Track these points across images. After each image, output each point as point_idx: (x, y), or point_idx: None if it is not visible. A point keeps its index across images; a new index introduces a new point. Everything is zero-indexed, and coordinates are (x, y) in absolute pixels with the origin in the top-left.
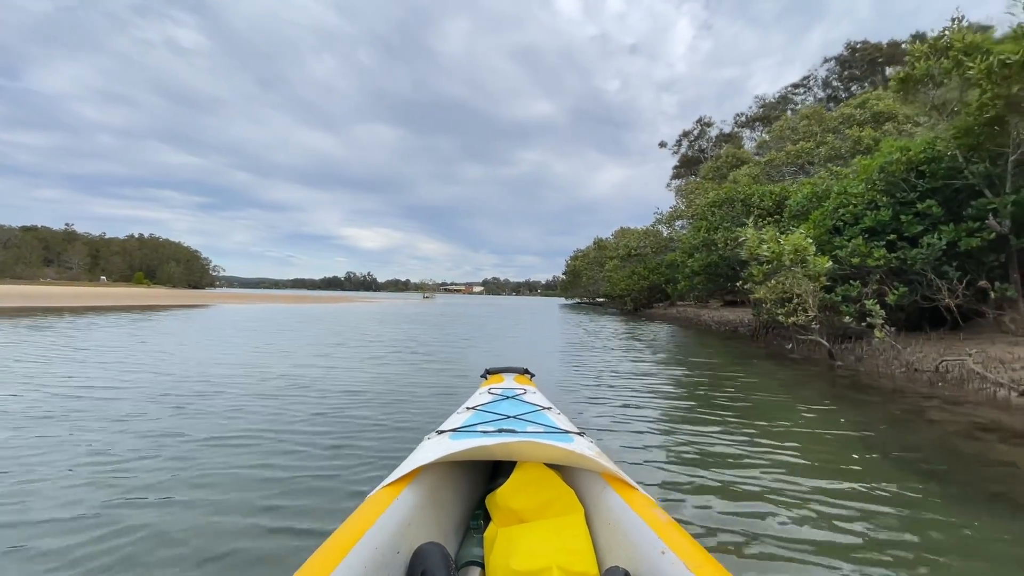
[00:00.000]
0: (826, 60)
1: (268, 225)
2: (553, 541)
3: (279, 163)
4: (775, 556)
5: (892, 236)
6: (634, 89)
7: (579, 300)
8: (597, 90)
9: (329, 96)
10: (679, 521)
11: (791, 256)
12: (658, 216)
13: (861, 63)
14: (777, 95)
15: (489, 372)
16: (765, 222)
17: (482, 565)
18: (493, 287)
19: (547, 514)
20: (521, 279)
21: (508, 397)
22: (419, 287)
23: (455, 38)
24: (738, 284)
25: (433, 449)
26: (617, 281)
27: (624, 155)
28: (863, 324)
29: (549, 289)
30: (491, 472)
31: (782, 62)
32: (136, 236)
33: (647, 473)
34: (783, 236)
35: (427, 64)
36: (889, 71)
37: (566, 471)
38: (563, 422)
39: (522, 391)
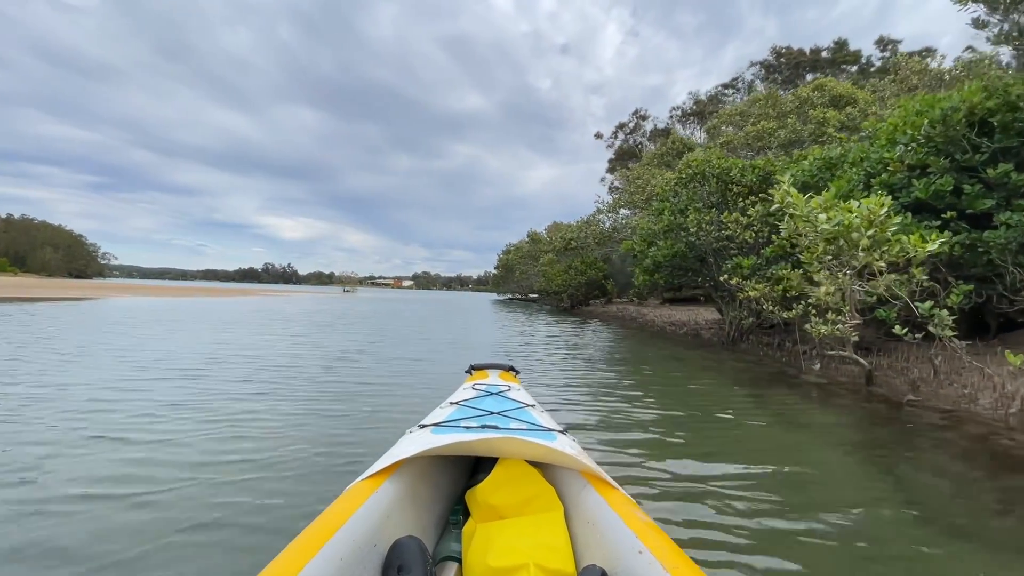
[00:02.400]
0: (752, 64)
1: (175, 210)
2: (531, 538)
3: (186, 142)
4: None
5: (950, 213)
6: (565, 89)
7: (511, 296)
8: (530, 87)
9: (244, 72)
10: (659, 522)
11: (870, 232)
12: (600, 205)
13: (786, 68)
14: (708, 94)
15: (474, 368)
16: (747, 203)
17: (459, 560)
18: (424, 281)
19: (527, 511)
20: (452, 273)
21: (492, 393)
22: (343, 280)
23: (385, 21)
24: (722, 278)
25: (415, 443)
26: (552, 276)
27: (555, 153)
28: (911, 333)
29: (481, 284)
30: (472, 468)
31: (700, 73)
32: (3, 217)
33: (628, 473)
34: (844, 202)
35: (354, 46)
36: (810, 76)
37: (547, 469)
38: (546, 420)
39: (506, 388)
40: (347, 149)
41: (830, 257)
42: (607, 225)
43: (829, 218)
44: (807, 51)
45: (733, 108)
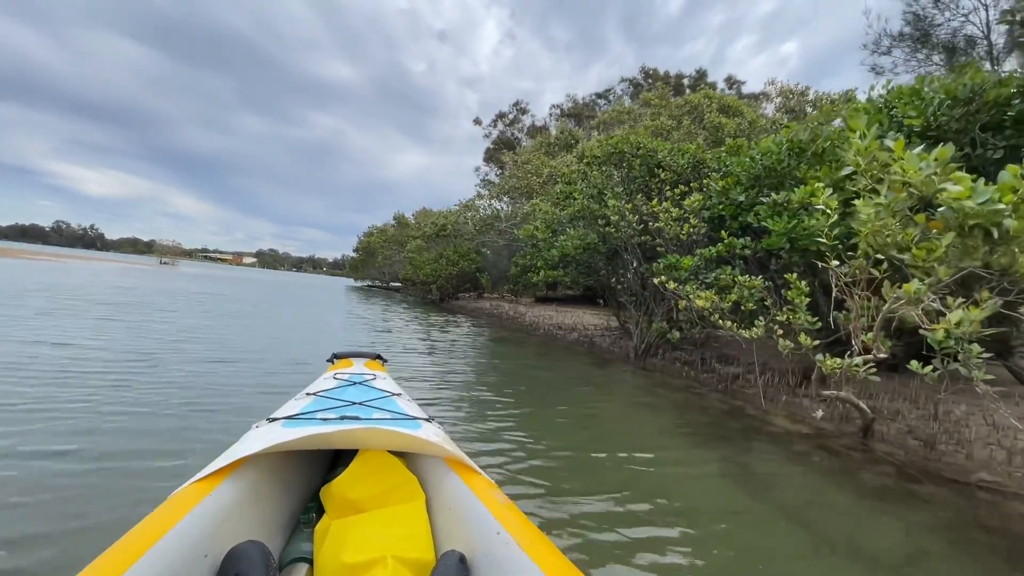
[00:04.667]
0: (623, 80)
1: None
2: (390, 530)
3: None
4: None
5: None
6: (440, 76)
7: (371, 283)
8: (403, 68)
9: None
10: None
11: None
12: (481, 188)
13: (652, 88)
14: (583, 100)
15: (337, 356)
16: (675, 193)
17: (311, 561)
18: (269, 260)
19: (388, 502)
20: (304, 254)
21: (355, 383)
22: (163, 250)
23: None
24: (656, 280)
25: (261, 438)
26: (421, 264)
27: (426, 141)
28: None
29: (337, 268)
30: (331, 462)
31: (569, 86)
32: None
33: (492, 458)
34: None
35: None
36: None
37: (411, 458)
38: (412, 408)
39: (371, 377)
40: (184, 98)
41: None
42: (487, 212)
43: (963, 195)
44: (672, 75)
45: (622, 107)
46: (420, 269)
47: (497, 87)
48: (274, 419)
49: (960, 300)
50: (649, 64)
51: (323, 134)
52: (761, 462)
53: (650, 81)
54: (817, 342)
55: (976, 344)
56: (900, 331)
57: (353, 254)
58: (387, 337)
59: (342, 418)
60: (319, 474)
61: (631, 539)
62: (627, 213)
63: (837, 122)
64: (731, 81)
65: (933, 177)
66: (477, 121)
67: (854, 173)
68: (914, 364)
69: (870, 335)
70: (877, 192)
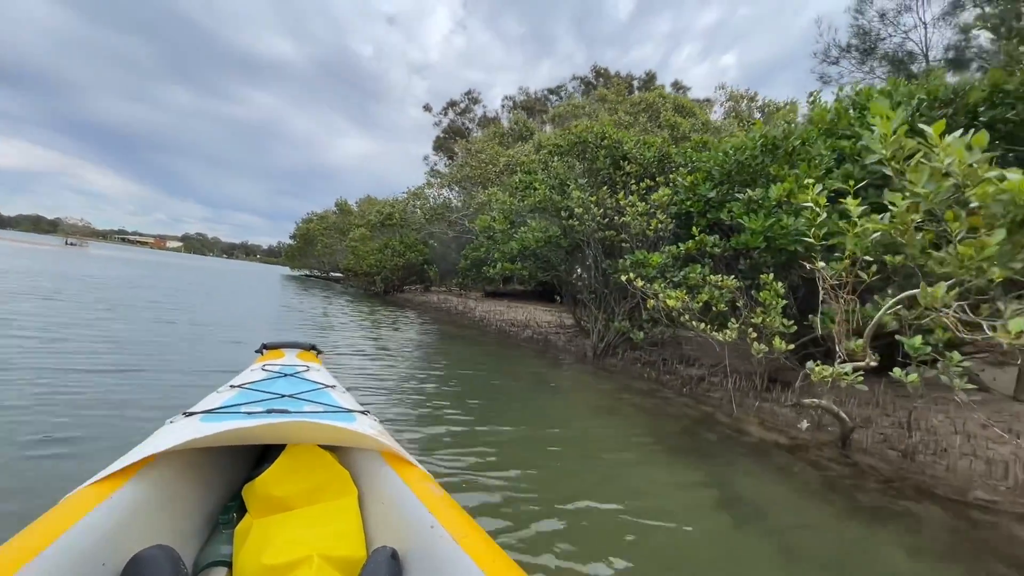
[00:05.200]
0: (574, 77)
1: None
2: (318, 527)
3: None
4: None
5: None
6: (388, 61)
7: (309, 273)
8: (349, 51)
9: None
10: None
11: None
12: (431, 177)
13: (607, 85)
14: (536, 94)
15: (266, 347)
16: (640, 187)
17: (229, 564)
18: (197, 245)
19: (318, 499)
20: (237, 240)
21: (286, 375)
22: (70, 230)
23: None
24: (623, 277)
25: (174, 434)
26: (364, 254)
27: (372, 127)
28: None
29: (272, 256)
30: (258, 459)
31: (520, 80)
32: None
33: (430, 450)
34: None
35: None
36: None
37: (344, 452)
38: (347, 400)
39: (304, 368)
40: (99, 63)
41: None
42: (437, 201)
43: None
44: (622, 75)
45: (577, 102)
46: (363, 259)
47: (447, 77)
48: (191, 413)
49: (1005, 306)
50: (599, 64)
51: (260, 113)
52: (743, 480)
53: (601, 80)
54: (791, 346)
55: (956, 352)
56: (876, 336)
57: (290, 241)
58: (328, 333)
59: (269, 411)
60: (243, 472)
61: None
62: (592, 206)
63: (800, 122)
64: (677, 86)
65: (974, 166)
66: (427, 108)
67: (879, 162)
68: (897, 371)
69: (859, 342)
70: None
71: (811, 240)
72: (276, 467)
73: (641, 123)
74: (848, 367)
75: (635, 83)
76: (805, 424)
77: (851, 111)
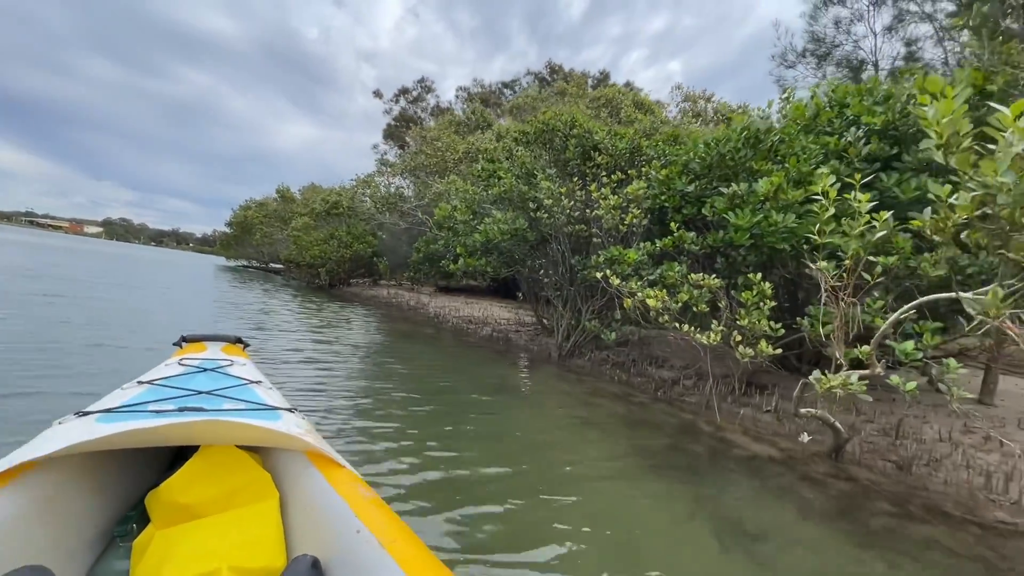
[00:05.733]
0: (529, 73)
1: None
2: (231, 536)
3: None
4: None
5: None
6: (335, 45)
7: (247, 263)
8: (294, 31)
9: None
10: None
11: None
12: (382, 162)
13: (560, 79)
14: (490, 86)
15: (186, 340)
16: (612, 180)
17: None
18: (121, 231)
19: (233, 504)
20: (167, 227)
21: (206, 370)
22: None
23: None
24: (598, 275)
25: (59, 438)
26: (308, 245)
27: (317, 113)
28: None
29: (206, 245)
30: (171, 462)
31: (472, 73)
32: None
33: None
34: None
35: None
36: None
37: (268, 453)
38: (273, 397)
39: (227, 363)
40: (3, 26)
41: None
42: (388, 190)
43: None
44: (577, 72)
45: (536, 93)
46: (307, 250)
47: (397, 65)
48: (86, 413)
49: None
50: (554, 61)
51: (195, 92)
52: (740, 503)
53: (556, 76)
54: (778, 350)
55: (953, 359)
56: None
57: (226, 229)
58: (266, 329)
59: (181, 410)
60: (151, 478)
61: None
62: (562, 197)
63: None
64: (629, 87)
65: None
66: (378, 94)
67: (938, 147)
68: (895, 379)
69: (866, 349)
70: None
71: (816, 238)
72: (185, 471)
73: (602, 118)
74: (854, 376)
75: (590, 81)
76: (807, 437)
77: (828, 108)
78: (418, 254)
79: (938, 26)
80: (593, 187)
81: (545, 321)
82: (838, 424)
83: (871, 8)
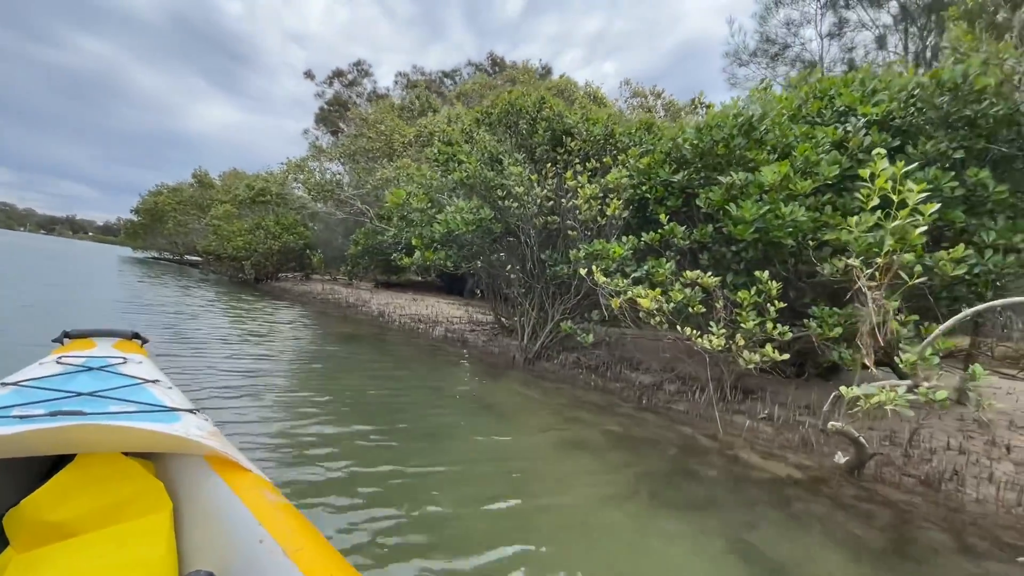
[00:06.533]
0: (470, 64)
1: None
2: (112, 555)
3: None
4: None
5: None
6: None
7: (158, 255)
8: (212, 5)
9: None
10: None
11: None
12: (315, 145)
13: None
14: (431, 75)
15: (69, 335)
16: (586, 168)
17: None
18: (2, 216)
19: (118, 519)
20: (60, 213)
21: (91, 368)
22: None
23: None
24: (582, 272)
25: None
26: (230, 235)
27: (240, 95)
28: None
29: (109, 234)
30: (46, 474)
31: (408, 62)
32: None
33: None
34: None
35: None
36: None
37: (162, 459)
38: (172, 398)
39: (119, 360)
40: None
41: None
42: (324, 176)
43: None
44: (518, 63)
45: (484, 80)
46: (229, 241)
47: (329, 50)
48: None
49: None
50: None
51: (95, 64)
52: (778, 542)
53: (497, 69)
54: (786, 355)
55: (978, 365)
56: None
57: (133, 217)
58: (182, 329)
59: (54, 414)
60: (17, 493)
61: None
62: (534, 185)
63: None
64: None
65: None
66: (309, 75)
67: None
68: (923, 390)
69: (910, 355)
70: None
71: (853, 231)
72: (54, 484)
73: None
74: (901, 388)
75: (536, 74)
76: (843, 458)
77: (816, 99)
78: (356, 247)
79: (876, 34)
80: (569, 174)
81: (504, 320)
82: (863, 439)
83: (819, 12)
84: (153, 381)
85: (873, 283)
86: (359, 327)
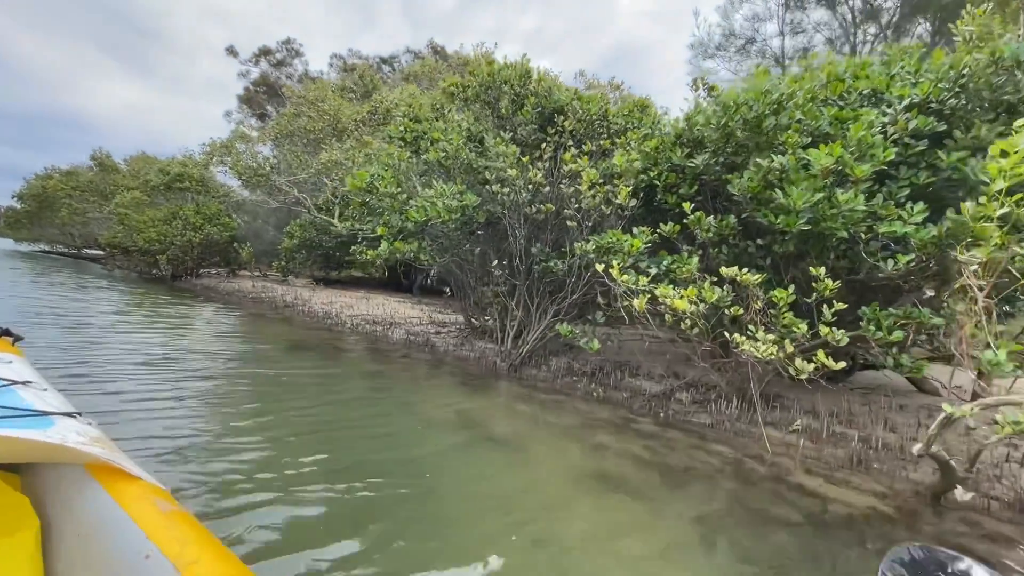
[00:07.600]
0: (409, 51)
1: None
2: None
3: None
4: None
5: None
6: None
7: (48, 248)
8: None
9: None
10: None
11: None
12: (242, 122)
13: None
14: (368, 58)
15: None
16: (583, 152)
17: None
18: None
19: None
20: None
21: None
22: None
23: None
24: (599, 268)
25: None
26: (141, 226)
27: (149, 75)
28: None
29: None
30: None
31: (341, 46)
32: None
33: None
34: None
35: None
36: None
37: (31, 470)
38: (47, 401)
39: None
40: None
41: None
42: (254, 161)
43: None
44: (462, 54)
45: (432, 63)
46: (140, 232)
47: (253, 30)
48: None
49: None
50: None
51: None
52: None
53: (438, 57)
54: (842, 364)
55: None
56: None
57: (16, 204)
58: (81, 339)
59: None
60: None
61: None
62: (528, 167)
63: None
64: None
65: None
66: (232, 52)
67: None
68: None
69: (991, 355)
70: None
71: (971, 223)
72: None
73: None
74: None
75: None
76: (967, 495)
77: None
78: (291, 239)
79: (838, 32)
80: (568, 155)
81: (474, 321)
82: (953, 463)
83: (780, 8)
84: (24, 383)
85: (980, 282)
86: (305, 332)
